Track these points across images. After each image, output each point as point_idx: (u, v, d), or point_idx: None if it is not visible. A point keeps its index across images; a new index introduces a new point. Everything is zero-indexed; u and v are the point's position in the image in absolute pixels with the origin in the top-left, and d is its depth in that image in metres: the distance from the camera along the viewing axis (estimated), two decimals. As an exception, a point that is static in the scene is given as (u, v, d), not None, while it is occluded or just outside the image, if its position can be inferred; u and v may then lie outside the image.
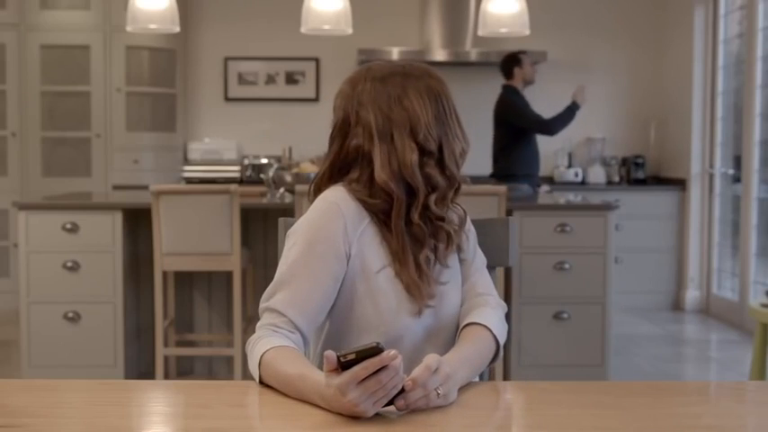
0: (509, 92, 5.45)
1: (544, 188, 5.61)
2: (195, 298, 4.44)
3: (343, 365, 1.27)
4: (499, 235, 1.87)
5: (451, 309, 1.67)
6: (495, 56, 6.28)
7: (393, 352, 1.26)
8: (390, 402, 1.31)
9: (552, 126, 5.40)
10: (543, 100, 5.91)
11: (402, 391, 1.31)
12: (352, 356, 1.26)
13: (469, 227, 1.75)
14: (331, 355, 1.27)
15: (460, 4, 6.49)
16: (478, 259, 1.73)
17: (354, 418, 1.28)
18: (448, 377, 1.36)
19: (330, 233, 1.58)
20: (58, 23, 6.20)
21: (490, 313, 1.65)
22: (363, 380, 1.26)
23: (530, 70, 5.46)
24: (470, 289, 1.69)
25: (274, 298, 1.57)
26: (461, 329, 1.64)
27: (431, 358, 1.36)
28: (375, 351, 1.25)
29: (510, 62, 5.47)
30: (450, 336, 1.66)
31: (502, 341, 1.64)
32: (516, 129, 5.40)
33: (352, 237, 1.60)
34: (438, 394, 1.34)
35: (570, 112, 5.41)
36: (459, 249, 1.70)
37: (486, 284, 1.71)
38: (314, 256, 1.57)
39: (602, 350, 4.17)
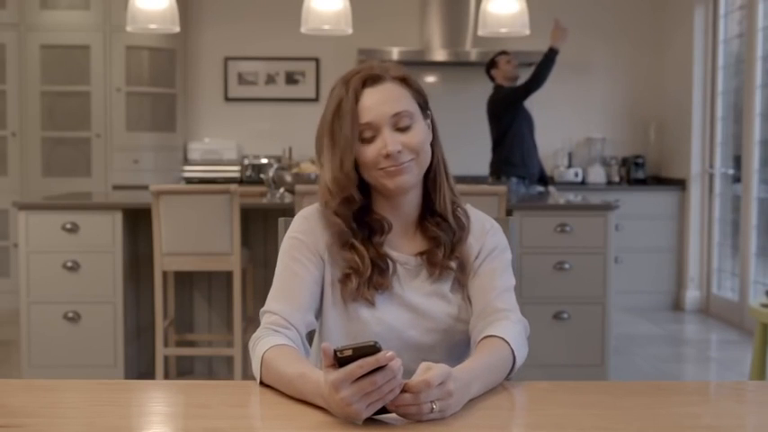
0: (494, 89, 5.49)
1: (551, 189, 5.56)
2: (195, 298, 4.44)
3: (340, 361, 1.25)
4: (499, 235, 1.87)
5: (439, 323, 1.65)
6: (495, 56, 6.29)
7: (390, 353, 1.23)
8: (386, 410, 1.27)
9: (532, 82, 5.21)
10: (543, 99, 5.91)
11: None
12: (349, 353, 1.24)
13: (492, 250, 1.70)
14: (328, 348, 1.26)
15: (460, 4, 6.49)
16: (501, 281, 1.68)
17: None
18: (449, 394, 1.30)
19: (302, 243, 1.66)
20: (58, 23, 6.20)
21: (509, 327, 1.60)
22: (358, 379, 1.23)
23: (506, 67, 5.45)
24: (488, 305, 1.64)
25: (267, 302, 1.64)
26: (479, 342, 1.60)
27: (439, 369, 1.30)
28: (372, 350, 1.23)
29: (488, 67, 5.53)
30: (443, 354, 1.64)
31: (519, 355, 1.57)
32: (504, 125, 5.39)
33: (321, 247, 1.66)
34: (432, 408, 1.28)
35: (547, 59, 5.15)
36: (462, 269, 1.68)
37: (508, 302, 1.67)
38: (294, 261, 1.65)
39: (602, 350, 4.17)
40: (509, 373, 1.56)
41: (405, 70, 1.68)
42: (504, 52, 5.51)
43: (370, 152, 1.61)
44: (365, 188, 1.67)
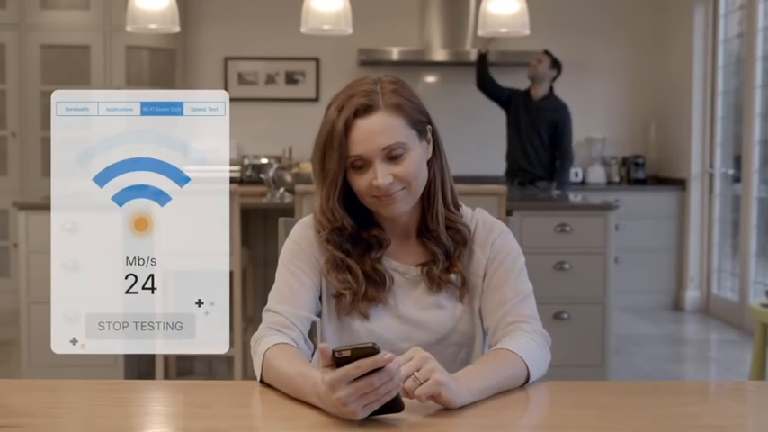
0: None
1: (542, 185, 5.55)
2: (195, 298, 4.43)
3: (338, 361, 1.26)
4: (499, 235, 1.86)
5: (432, 335, 1.65)
6: (495, 56, 6.28)
7: (388, 355, 1.24)
8: (385, 409, 1.28)
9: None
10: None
11: (397, 397, 1.28)
12: (347, 353, 1.25)
13: (499, 258, 1.68)
14: (326, 349, 1.27)
15: (460, 4, 6.49)
16: (512, 291, 1.66)
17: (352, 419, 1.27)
18: (426, 358, 1.34)
19: (302, 251, 1.67)
20: (58, 23, 6.20)
21: (520, 338, 1.57)
22: (355, 379, 1.24)
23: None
24: (501, 320, 1.63)
25: (269, 302, 1.66)
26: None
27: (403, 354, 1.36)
28: (370, 351, 1.24)
29: None
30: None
31: (531, 362, 1.53)
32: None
33: (319, 257, 1.67)
34: (416, 377, 1.31)
35: (478, 60, 5.46)
36: (464, 282, 1.67)
37: (520, 314, 1.64)
38: (295, 266, 1.66)
39: (602, 350, 4.17)
40: (526, 381, 1.52)
41: (399, 94, 1.61)
42: (545, 53, 5.44)
43: (361, 182, 1.60)
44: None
